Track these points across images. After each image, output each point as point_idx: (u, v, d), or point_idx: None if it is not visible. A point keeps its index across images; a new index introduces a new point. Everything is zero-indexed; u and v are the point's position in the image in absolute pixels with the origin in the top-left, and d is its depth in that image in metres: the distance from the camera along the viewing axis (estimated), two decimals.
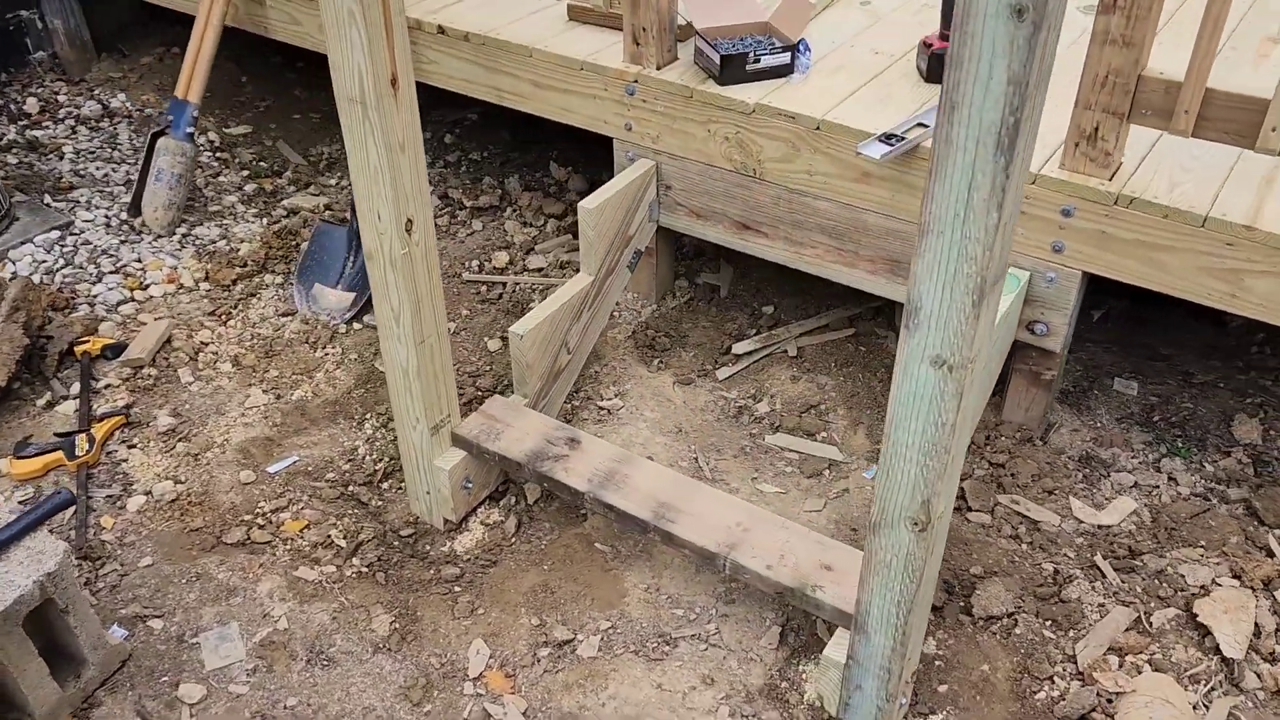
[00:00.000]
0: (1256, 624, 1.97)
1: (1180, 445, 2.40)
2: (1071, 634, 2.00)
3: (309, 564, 2.18)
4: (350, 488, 2.37)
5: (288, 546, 2.22)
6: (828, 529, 2.24)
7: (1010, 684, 1.93)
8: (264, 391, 2.60)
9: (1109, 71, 1.93)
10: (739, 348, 2.72)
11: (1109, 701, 1.87)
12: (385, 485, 2.39)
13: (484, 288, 2.97)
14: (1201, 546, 2.15)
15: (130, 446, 2.43)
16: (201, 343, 2.73)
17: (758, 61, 2.40)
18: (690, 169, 2.53)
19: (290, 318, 2.82)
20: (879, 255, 2.37)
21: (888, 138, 2.17)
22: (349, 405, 2.58)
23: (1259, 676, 1.91)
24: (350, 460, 2.44)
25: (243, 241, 3.10)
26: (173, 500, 2.30)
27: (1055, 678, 1.93)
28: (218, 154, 3.54)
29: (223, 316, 2.82)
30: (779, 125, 2.33)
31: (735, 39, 2.47)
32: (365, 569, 2.18)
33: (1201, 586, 2.05)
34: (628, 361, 2.71)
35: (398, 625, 2.06)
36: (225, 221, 3.19)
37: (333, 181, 3.44)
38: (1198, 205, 1.97)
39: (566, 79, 2.60)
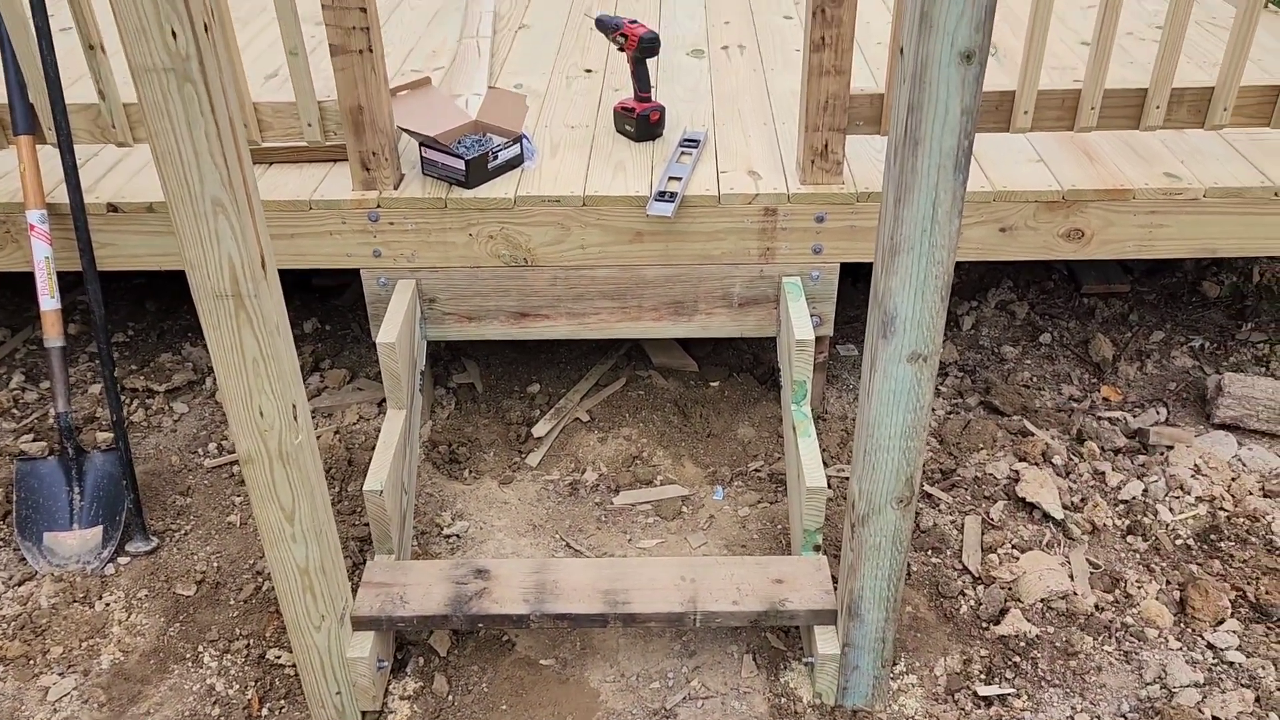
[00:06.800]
0: (1056, 488, 2.49)
1: None
2: (949, 553, 2.37)
3: None
4: None
5: None
6: (725, 555, 2.40)
7: (935, 612, 2.25)
8: (61, 675, 2.13)
9: (828, 97, 2.30)
10: (538, 430, 2.76)
11: (1012, 589, 2.26)
12: (265, 712, 2.10)
13: (234, 469, 2.67)
14: (983, 449, 2.64)
15: None
16: None
17: (496, 158, 2.47)
18: (456, 276, 2.52)
19: (35, 582, 2.32)
20: (661, 303, 2.56)
21: (662, 195, 2.37)
22: (173, 647, 2.20)
23: (1077, 525, 2.41)
24: (216, 703, 2.10)
25: None
26: None
27: (964, 591, 2.28)
28: None
29: None
30: (544, 211, 2.43)
31: (456, 143, 2.51)
32: None
33: (1008, 477, 2.54)
34: (438, 483, 2.62)
35: None
36: None
37: None
38: None
39: (294, 223, 2.45)
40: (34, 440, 2.71)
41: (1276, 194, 2.40)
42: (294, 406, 1.74)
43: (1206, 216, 2.44)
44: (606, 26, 2.63)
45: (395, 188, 2.45)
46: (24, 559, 2.36)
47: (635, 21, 2.60)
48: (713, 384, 2.91)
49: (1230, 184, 2.41)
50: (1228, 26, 2.95)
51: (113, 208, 2.44)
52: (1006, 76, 3.01)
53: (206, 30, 1.41)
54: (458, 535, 2.47)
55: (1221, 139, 2.63)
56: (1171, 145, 2.60)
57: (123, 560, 2.39)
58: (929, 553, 2.37)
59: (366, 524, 2.45)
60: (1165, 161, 2.53)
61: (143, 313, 3.24)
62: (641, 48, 2.56)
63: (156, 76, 1.39)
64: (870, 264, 2.40)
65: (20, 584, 2.32)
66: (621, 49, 2.62)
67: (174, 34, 1.37)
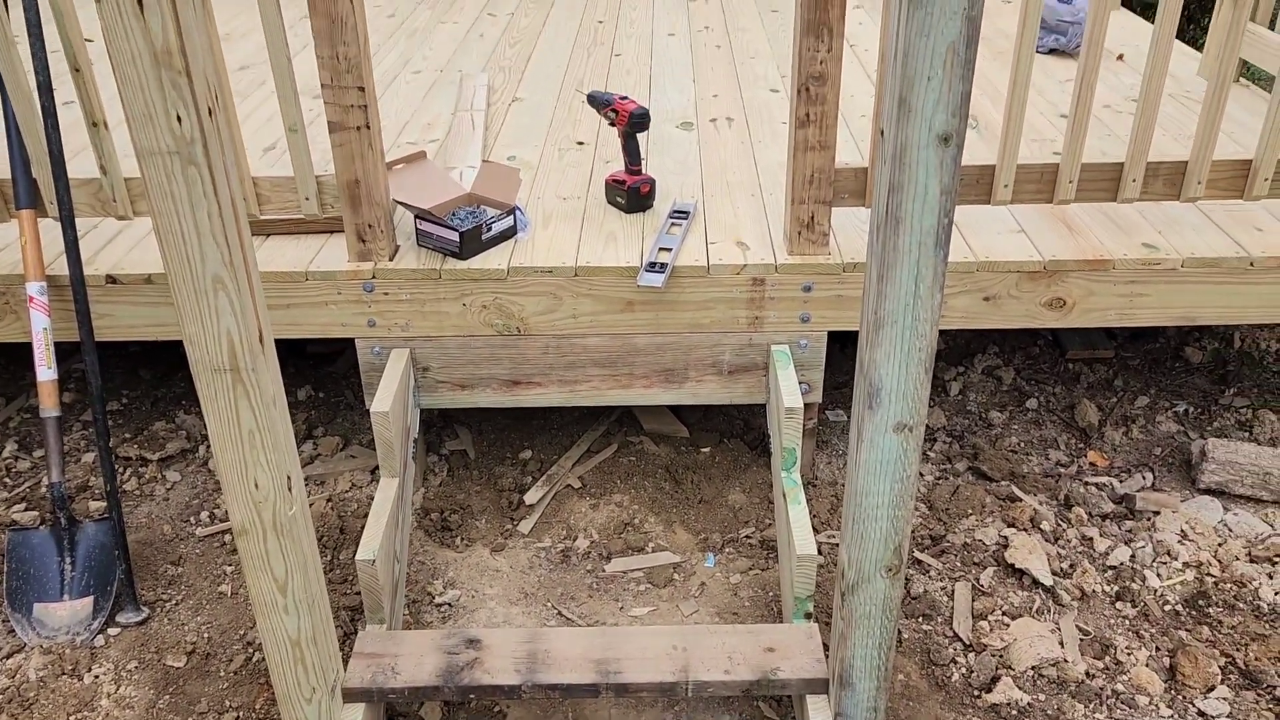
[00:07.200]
0: (1045, 554, 2.51)
1: None
2: (940, 620, 2.38)
3: None
4: None
5: None
6: (716, 623, 2.40)
7: (927, 681, 2.25)
8: None
9: (813, 171, 2.36)
10: (530, 497, 2.77)
11: (1003, 656, 2.26)
12: None
13: (226, 537, 2.67)
14: (972, 514, 2.66)
15: None
16: None
17: (490, 230, 2.52)
18: (449, 345, 2.55)
19: (23, 654, 2.30)
20: (652, 370, 2.59)
21: (652, 266, 2.42)
22: None
23: (1066, 591, 2.43)
24: None
25: None
26: None
27: (955, 659, 2.28)
28: None
29: None
30: (537, 281, 2.47)
31: (450, 215, 2.56)
32: None
33: (997, 543, 2.55)
34: (430, 550, 2.62)
35: None
36: None
37: None
38: None
39: (290, 293, 2.49)
40: (26, 510, 2.71)
41: (1251, 264, 2.46)
42: (289, 478, 1.75)
43: (1185, 286, 2.49)
44: (598, 103, 2.70)
45: (390, 259, 2.50)
46: (13, 631, 2.35)
47: (626, 98, 2.67)
48: (704, 450, 2.93)
49: (1206, 254, 2.47)
50: (1200, 100, 3.04)
51: (111, 279, 2.48)
52: (987, 148, 3.09)
53: (211, 114, 1.46)
54: (449, 604, 2.47)
55: (1197, 209, 2.69)
56: (1149, 216, 2.67)
57: (113, 631, 2.38)
58: (920, 620, 2.37)
59: (358, 593, 2.45)
60: (1143, 232, 2.59)
61: (137, 380, 3.26)
62: (632, 123, 2.63)
63: (161, 159, 1.44)
64: (858, 331, 2.44)
65: (8, 656, 2.30)
66: (613, 124, 2.69)
67: (179, 119, 1.42)
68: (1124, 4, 4.55)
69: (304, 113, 3.07)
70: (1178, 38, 4.34)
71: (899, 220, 1.48)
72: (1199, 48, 4.25)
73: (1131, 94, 3.52)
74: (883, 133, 1.48)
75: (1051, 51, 3.95)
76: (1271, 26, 3.22)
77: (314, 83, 3.53)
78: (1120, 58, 3.88)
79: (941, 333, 3.19)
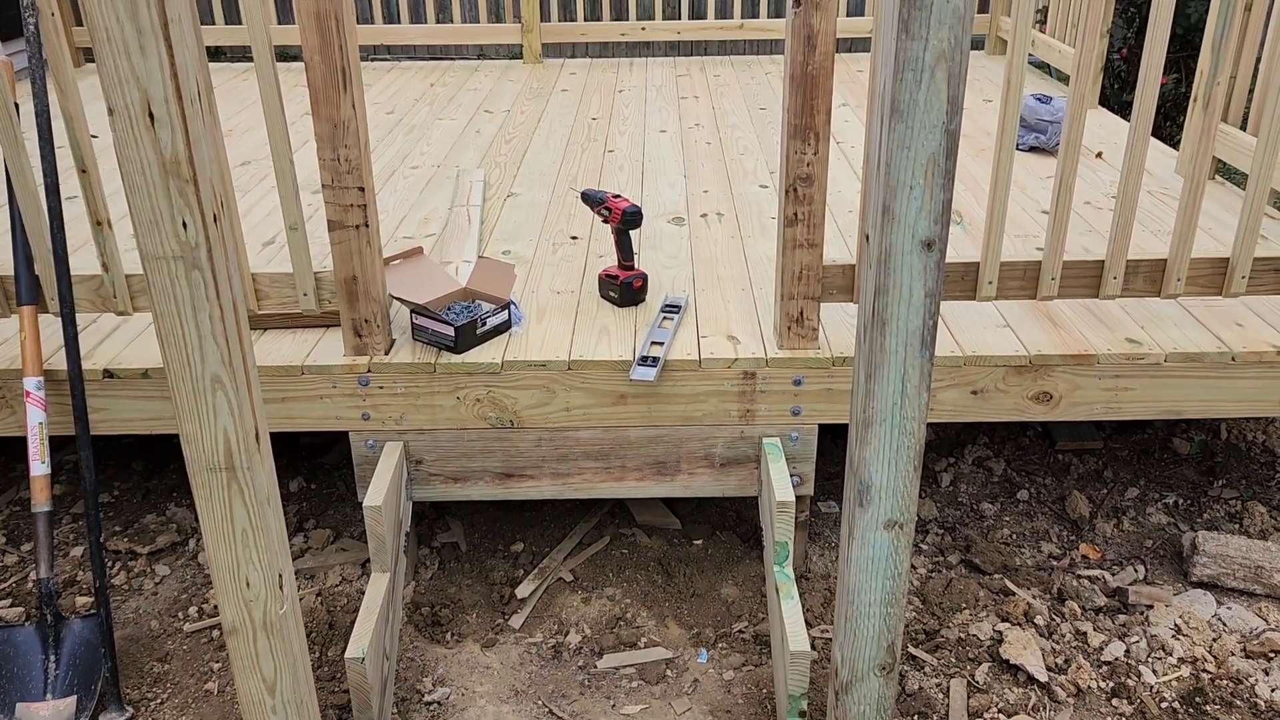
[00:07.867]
0: (1039, 649, 2.49)
1: None
2: (935, 719, 2.35)
3: None
4: None
5: None
6: None
7: None
8: None
9: (802, 268, 2.41)
10: (521, 591, 2.75)
11: None
12: None
13: (214, 633, 2.64)
14: (966, 608, 2.65)
15: None
16: None
17: (484, 324, 2.55)
18: (442, 438, 2.57)
19: None
20: (645, 463, 2.61)
21: (645, 360, 2.45)
22: None
23: (1061, 688, 2.41)
24: None
25: None
26: None
27: None
28: None
29: None
30: (530, 375, 2.50)
31: (445, 309, 2.60)
32: None
33: (991, 637, 2.54)
34: (420, 647, 2.59)
35: None
36: None
37: None
38: None
39: (286, 387, 2.51)
40: (11, 605, 2.69)
41: (1233, 359, 2.50)
42: (280, 576, 1.75)
43: (1169, 380, 2.53)
44: (592, 201, 2.77)
45: (386, 353, 2.53)
46: None
47: (619, 195, 2.74)
48: (696, 542, 2.93)
49: (1189, 349, 2.52)
50: (1178, 196, 3.13)
51: (108, 374, 2.50)
52: (972, 244, 3.15)
53: (215, 220, 1.50)
54: (439, 702, 2.43)
55: (1178, 305, 2.75)
56: (1131, 311, 2.72)
57: None
58: (915, 718, 2.35)
59: (346, 690, 2.42)
60: (1126, 327, 2.64)
61: (129, 472, 3.25)
62: (624, 221, 2.69)
63: (166, 264, 1.48)
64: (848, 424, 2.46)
65: None
66: (606, 221, 2.75)
67: (185, 224, 1.46)
68: (1101, 103, 4.70)
69: (304, 207, 3.15)
70: (1155, 135, 4.48)
71: (885, 322, 1.52)
72: (1176, 145, 4.38)
73: (1111, 190, 3.61)
74: (868, 237, 1.53)
75: (1033, 149, 4.06)
76: (1243, 127, 3.32)
77: (313, 178, 3.61)
78: (1099, 155, 3.99)
79: (931, 424, 3.22)
